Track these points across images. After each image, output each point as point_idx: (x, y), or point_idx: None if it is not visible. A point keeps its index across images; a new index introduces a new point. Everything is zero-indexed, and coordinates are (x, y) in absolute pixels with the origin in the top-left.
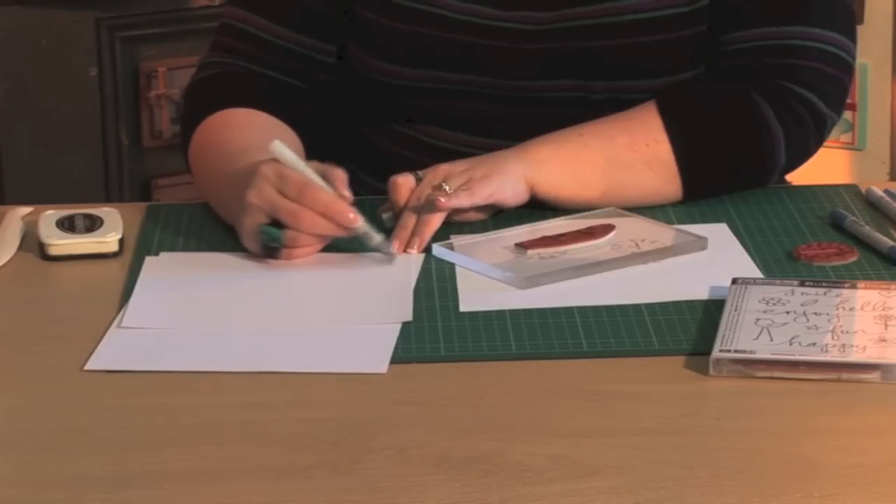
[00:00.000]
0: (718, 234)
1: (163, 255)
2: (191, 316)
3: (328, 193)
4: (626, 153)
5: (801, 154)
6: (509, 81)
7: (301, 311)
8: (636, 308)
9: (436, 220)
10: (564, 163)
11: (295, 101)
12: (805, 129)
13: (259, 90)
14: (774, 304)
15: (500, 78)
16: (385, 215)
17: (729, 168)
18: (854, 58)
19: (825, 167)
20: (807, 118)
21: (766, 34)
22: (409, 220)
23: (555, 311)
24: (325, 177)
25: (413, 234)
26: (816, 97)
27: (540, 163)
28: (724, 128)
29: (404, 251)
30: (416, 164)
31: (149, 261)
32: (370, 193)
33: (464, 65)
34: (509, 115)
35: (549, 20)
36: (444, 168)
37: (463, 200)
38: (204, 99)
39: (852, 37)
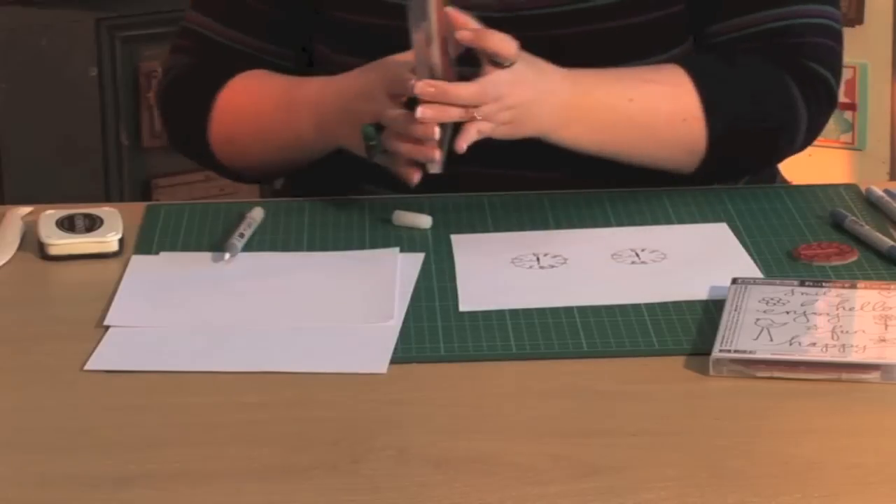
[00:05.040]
0: (718, 234)
1: (162, 254)
2: (184, 316)
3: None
4: (664, 130)
5: (814, 131)
6: None
7: (290, 311)
8: (636, 308)
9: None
10: (599, 130)
11: None
12: (820, 105)
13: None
14: (774, 304)
15: (476, 67)
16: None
17: (755, 142)
18: (842, 24)
19: (825, 167)
20: (822, 94)
21: (772, 16)
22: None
23: (555, 311)
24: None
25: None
26: (828, 72)
27: (575, 120)
28: (756, 104)
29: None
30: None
31: (134, 260)
32: (358, 193)
33: None
34: None
35: (503, 7)
36: (494, 86)
37: (485, 131)
38: (197, 87)
39: (837, 4)
